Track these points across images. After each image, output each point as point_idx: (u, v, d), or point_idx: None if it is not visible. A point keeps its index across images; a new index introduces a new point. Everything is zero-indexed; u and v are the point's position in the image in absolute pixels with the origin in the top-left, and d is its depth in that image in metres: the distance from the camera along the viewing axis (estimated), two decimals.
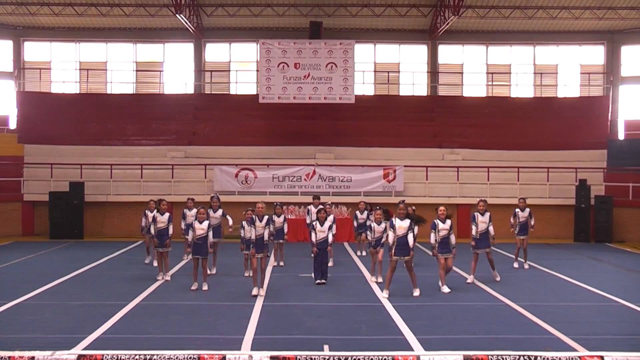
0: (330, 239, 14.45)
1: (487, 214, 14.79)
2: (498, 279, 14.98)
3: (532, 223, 17.14)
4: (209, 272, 14.56)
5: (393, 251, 13.08)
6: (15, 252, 19.51)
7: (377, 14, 28.22)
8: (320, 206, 16.23)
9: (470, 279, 14.81)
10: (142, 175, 24.67)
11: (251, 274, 13.96)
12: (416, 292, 13.29)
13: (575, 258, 19.50)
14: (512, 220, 17.28)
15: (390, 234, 13.18)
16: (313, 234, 14.50)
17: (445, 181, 24.87)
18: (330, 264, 15.98)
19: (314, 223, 14.62)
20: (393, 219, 13.24)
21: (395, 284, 13.56)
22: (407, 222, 13.10)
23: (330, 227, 14.45)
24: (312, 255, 14.71)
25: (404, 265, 13.21)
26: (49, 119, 27.28)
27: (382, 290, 13.30)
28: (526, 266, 17.18)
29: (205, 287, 13.71)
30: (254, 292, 13.16)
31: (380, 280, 14.59)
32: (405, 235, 13.01)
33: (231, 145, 26.53)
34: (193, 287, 13.73)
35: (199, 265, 13.85)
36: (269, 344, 9.38)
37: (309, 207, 17.85)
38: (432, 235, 13.72)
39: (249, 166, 24.60)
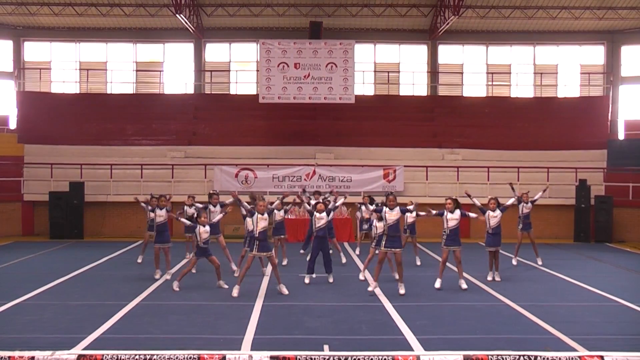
0: (330, 215, 14.57)
1: (498, 210, 15.06)
2: (498, 279, 15.06)
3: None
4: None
5: (383, 243, 12.99)
6: (15, 252, 19.51)
7: (377, 14, 28.22)
8: (320, 199, 16.37)
9: (490, 276, 15.08)
10: (142, 175, 24.67)
11: (240, 272, 13.79)
12: (402, 290, 13.11)
13: (575, 258, 19.49)
14: (513, 193, 17.34)
15: (380, 225, 13.15)
16: (313, 219, 14.53)
17: (445, 181, 24.87)
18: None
19: (314, 212, 14.65)
20: (383, 208, 13.07)
21: (394, 283, 13.55)
22: (397, 211, 12.99)
23: (329, 213, 14.55)
24: (312, 232, 14.66)
25: (394, 258, 13.11)
26: (49, 119, 27.29)
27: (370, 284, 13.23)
28: (539, 261, 17.34)
29: (225, 285, 13.66)
30: (235, 292, 12.95)
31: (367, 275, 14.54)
32: (396, 225, 12.93)
33: (231, 145, 26.53)
34: (176, 288, 13.51)
35: (195, 265, 13.85)
36: (269, 344, 9.38)
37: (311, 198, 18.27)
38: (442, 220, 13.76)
39: (249, 166, 24.61)
